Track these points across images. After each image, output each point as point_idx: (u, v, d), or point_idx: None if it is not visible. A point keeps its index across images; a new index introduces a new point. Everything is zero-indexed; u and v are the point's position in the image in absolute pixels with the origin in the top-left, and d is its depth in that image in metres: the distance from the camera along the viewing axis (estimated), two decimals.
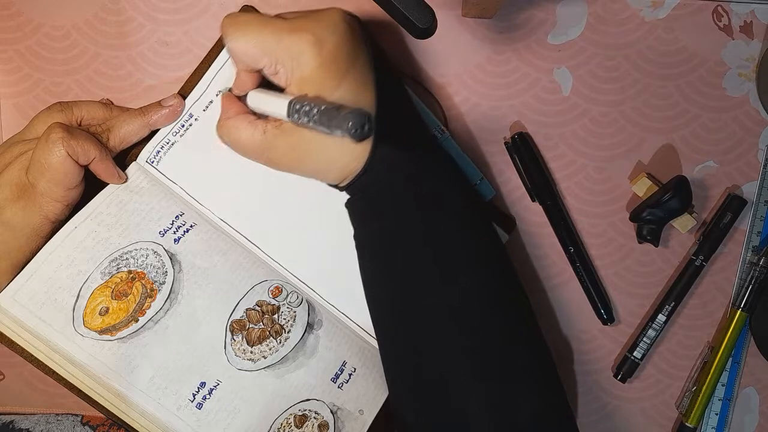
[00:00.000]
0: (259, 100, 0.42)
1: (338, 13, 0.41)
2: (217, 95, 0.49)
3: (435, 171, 0.43)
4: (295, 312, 0.49)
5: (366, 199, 0.43)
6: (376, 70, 0.41)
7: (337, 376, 0.49)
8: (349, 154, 0.40)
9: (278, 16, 0.41)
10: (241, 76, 0.44)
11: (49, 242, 0.44)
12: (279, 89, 0.41)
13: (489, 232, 0.45)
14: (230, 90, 0.46)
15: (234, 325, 0.47)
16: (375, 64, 0.42)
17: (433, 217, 0.42)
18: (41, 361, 0.44)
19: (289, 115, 0.37)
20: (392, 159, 0.41)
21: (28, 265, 0.44)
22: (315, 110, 0.35)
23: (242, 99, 0.45)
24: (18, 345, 0.44)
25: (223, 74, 0.48)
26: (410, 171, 0.42)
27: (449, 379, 0.41)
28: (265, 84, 0.43)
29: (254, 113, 0.43)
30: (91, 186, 0.45)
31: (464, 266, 0.42)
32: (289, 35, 0.39)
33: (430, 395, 0.42)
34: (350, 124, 0.32)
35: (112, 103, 0.51)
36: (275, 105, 0.40)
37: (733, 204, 0.51)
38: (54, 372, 0.44)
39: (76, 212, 0.45)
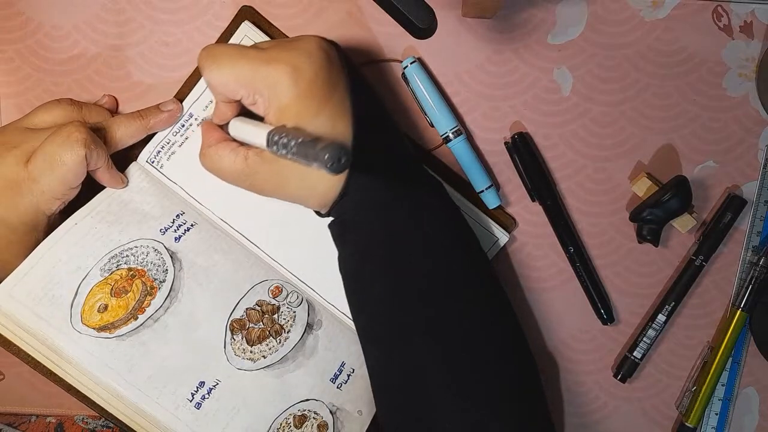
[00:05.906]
0: (239, 129, 0.43)
1: (315, 40, 0.40)
2: (198, 125, 0.49)
3: (411, 197, 0.43)
4: (294, 312, 0.49)
5: (341, 225, 0.43)
6: (356, 92, 0.41)
7: (336, 377, 0.49)
8: (328, 181, 0.41)
9: (255, 46, 0.41)
10: (220, 106, 0.44)
11: (47, 238, 0.44)
12: (259, 118, 0.42)
13: (465, 257, 0.44)
14: (211, 119, 0.46)
15: (234, 324, 0.47)
16: (354, 86, 0.41)
17: (400, 246, 0.42)
18: (38, 361, 0.43)
19: (268, 146, 0.37)
20: (368, 186, 0.41)
21: (25, 261, 0.43)
22: (293, 143, 0.35)
23: (224, 127, 0.45)
24: (14, 345, 0.43)
25: None
26: (384, 198, 0.42)
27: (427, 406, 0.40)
28: (245, 112, 0.43)
29: (236, 140, 0.43)
30: (91, 184, 0.45)
31: (428, 294, 0.41)
32: (266, 66, 0.39)
33: (409, 416, 0.41)
34: (327, 157, 0.33)
35: (116, 101, 0.51)
36: (255, 135, 0.40)
37: (733, 204, 0.51)
38: (50, 371, 0.44)
39: (76, 210, 0.45)
